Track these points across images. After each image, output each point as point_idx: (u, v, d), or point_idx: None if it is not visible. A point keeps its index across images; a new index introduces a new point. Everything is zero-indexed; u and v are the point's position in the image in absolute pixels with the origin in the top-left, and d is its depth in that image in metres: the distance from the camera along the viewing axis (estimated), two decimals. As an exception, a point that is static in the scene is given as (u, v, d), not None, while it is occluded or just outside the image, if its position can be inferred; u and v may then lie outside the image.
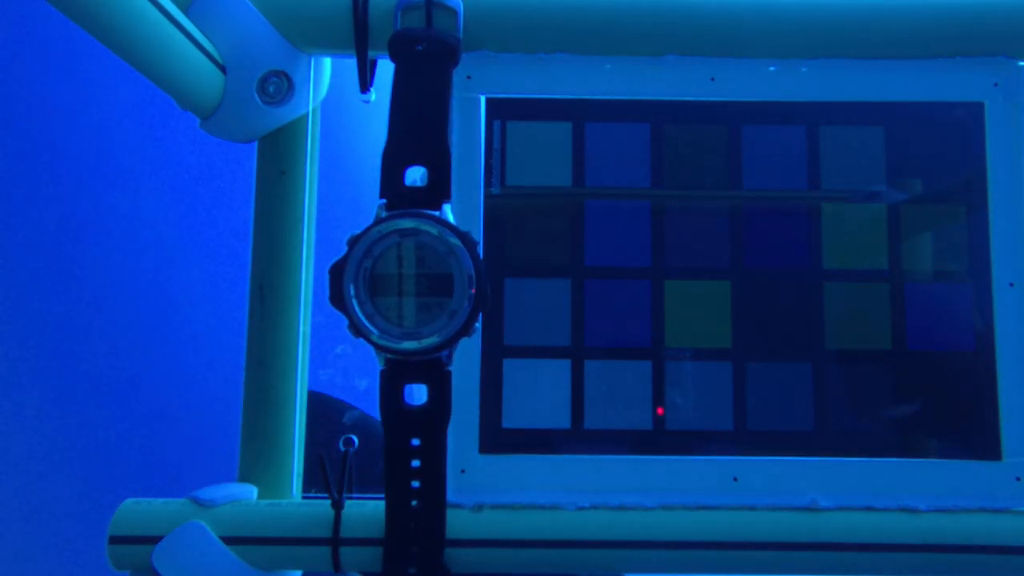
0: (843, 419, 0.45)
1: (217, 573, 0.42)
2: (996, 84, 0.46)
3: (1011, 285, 0.45)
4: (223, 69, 0.45)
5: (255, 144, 0.47)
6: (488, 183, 0.46)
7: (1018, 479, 0.44)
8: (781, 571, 0.43)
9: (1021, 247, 0.45)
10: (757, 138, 0.47)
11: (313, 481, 0.46)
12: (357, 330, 0.38)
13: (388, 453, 0.40)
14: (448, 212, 0.39)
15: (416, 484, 0.41)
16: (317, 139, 0.48)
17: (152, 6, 0.38)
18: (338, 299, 0.38)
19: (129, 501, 0.44)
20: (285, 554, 0.43)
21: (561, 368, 0.46)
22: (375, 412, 0.40)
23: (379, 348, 0.39)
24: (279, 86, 0.46)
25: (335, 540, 0.42)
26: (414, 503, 0.41)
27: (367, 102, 0.47)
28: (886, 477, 0.44)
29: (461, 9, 0.45)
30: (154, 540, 0.42)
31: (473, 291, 0.38)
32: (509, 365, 0.45)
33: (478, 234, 0.45)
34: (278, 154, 0.47)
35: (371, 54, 0.46)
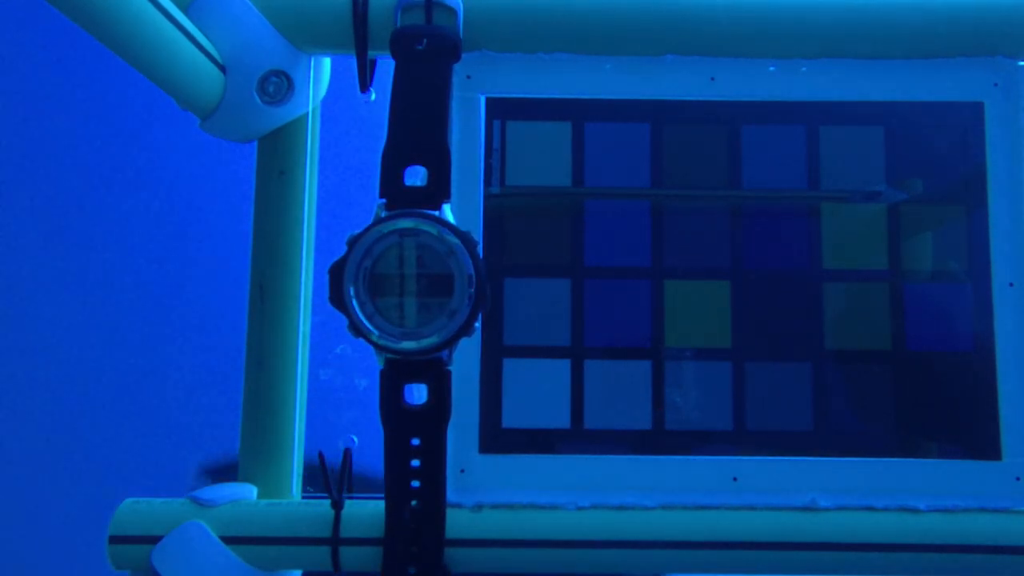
0: (843, 419, 0.45)
1: (217, 573, 0.42)
2: (996, 84, 0.46)
3: (1011, 285, 0.45)
4: (223, 69, 0.45)
5: (255, 144, 0.47)
6: (488, 183, 0.46)
7: (1018, 479, 0.44)
8: (781, 571, 0.43)
9: (1021, 247, 0.45)
10: (757, 138, 0.47)
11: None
12: (357, 330, 0.38)
13: (388, 453, 0.40)
14: (448, 212, 0.39)
15: (416, 484, 0.41)
16: (317, 139, 0.48)
17: (151, 5, 0.38)
18: (338, 299, 0.38)
19: (129, 501, 0.44)
20: (285, 554, 0.43)
21: (561, 368, 0.46)
22: (375, 412, 0.40)
23: (379, 348, 0.39)
24: (279, 86, 0.46)
25: (335, 540, 0.42)
26: (414, 503, 0.41)
27: (368, 101, 0.47)
28: (886, 477, 0.44)
29: (461, 9, 0.45)
30: (154, 540, 0.42)
31: (473, 291, 0.38)
32: (509, 365, 0.45)
33: (478, 234, 0.45)
34: (278, 154, 0.47)
35: (371, 54, 0.46)
